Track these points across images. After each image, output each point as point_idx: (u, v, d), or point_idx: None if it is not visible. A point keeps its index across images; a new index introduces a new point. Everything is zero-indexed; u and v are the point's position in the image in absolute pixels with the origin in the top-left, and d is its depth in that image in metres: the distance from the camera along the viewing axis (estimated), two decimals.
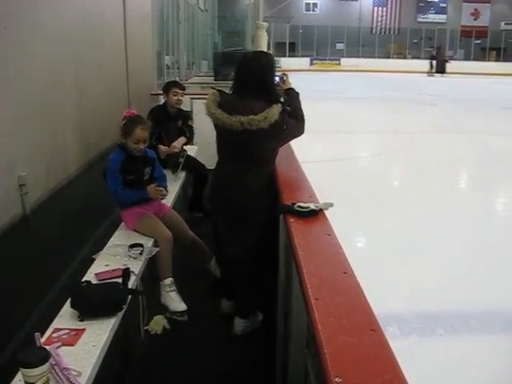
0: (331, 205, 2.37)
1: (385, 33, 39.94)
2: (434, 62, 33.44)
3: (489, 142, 11.03)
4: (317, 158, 8.77)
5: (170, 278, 3.52)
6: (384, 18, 39.93)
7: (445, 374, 3.15)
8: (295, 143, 3.61)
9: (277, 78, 3.28)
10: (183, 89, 5.28)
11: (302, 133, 3.23)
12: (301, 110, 3.24)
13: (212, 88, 3.21)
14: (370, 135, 11.84)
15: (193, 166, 5.32)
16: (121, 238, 3.40)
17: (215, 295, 3.71)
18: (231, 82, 3.18)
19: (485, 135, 11.78)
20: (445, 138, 11.38)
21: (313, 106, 15.81)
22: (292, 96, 3.29)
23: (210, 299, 3.77)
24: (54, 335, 2.20)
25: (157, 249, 3.34)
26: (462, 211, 6.41)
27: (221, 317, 3.56)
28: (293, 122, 3.09)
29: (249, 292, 3.36)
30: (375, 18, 39.87)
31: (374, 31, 39.90)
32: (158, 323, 3.35)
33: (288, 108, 3.08)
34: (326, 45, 36.24)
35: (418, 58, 38.65)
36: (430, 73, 33.21)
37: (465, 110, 16.77)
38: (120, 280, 2.67)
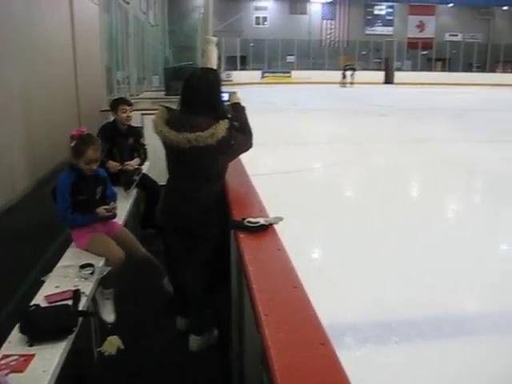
0: (281, 219, 2.38)
1: (334, 45, 40.58)
2: (348, 73, 33.95)
3: (440, 150, 11.28)
4: (269, 171, 8.84)
5: (112, 289, 3.53)
6: (333, 30, 40.59)
7: (400, 380, 3.19)
8: (246, 157, 3.62)
9: (226, 95, 3.29)
10: (131, 105, 5.24)
11: (251, 147, 3.25)
12: (248, 124, 3.26)
13: (160, 105, 3.20)
14: (321, 146, 11.97)
15: (144, 183, 5.27)
16: (71, 259, 3.35)
17: (170, 312, 3.68)
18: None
19: (435, 143, 12.08)
20: (395, 147, 11.62)
21: (265, 119, 16.02)
22: (238, 111, 3.30)
23: (165, 317, 3.73)
24: (3, 362, 2.15)
25: (108, 268, 3.29)
26: (415, 219, 6.54)
27: (176, 334, 3.53)
28: (241, 136, 3.10)
29: (203, 309, 3.34)
30: (324, 30, 40.49)
31: (323, 44, 40.50)
32: (112, 344, 3.28)
33: (236, 123, 3.09)
34: (276, 58, 36.60)
35: (367, 69, 39.43)
36: (342, 83, 33.36)
37: (414, 119, 17.17)
38: (71, 302, 2.62)
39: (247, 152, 3.28)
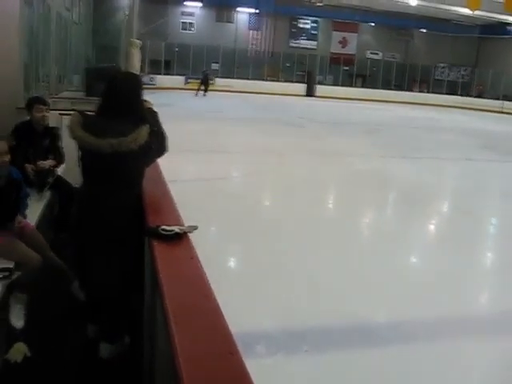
0: (195, 228, 2.40)
1: (259, 55, 40.96)
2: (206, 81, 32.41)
3: (352, 163, 11.63)
4: (189, 178, 8.82)
5: (25, 294, 3.44)
6: (259, 41, 40.92)
7: None
8: (165, 162, 3.61)
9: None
10: (46, 104, 5.10)
11: (167, 151, 3.26)
12: (162, 129, 3.27)
13: (74, 110, 3.15)
14: (241, 155, 12.06)
15: (59, 185, 5.13)
16: None
17: (80, 319, 3.60)
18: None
19: (349, 156, 12.44)
20: (312, 159, 11.89)
21: (186, 125, 15.90)
22: (153, 116, 3.30)
23: (74, 323, 3.64)
24: None
25: (18, 273, 3.20)
26: (327, 227, 6.72)
27: (86, 341, 3.45)
28: (157, 141, 3.11)
29: (115, 316, 3.30)
30: (250, 40, 40.78)
31: (249, 53, 40.80)
32: (18, 351, 3.19)
33: (155, 128, 3.09)
34: (201, 64, 36.50)
35: (291, 81, 40.04)
36: (198, 90, 31.57)
37: (331, 132, 17.62)
38: None
39: (167, 157, 3.29)
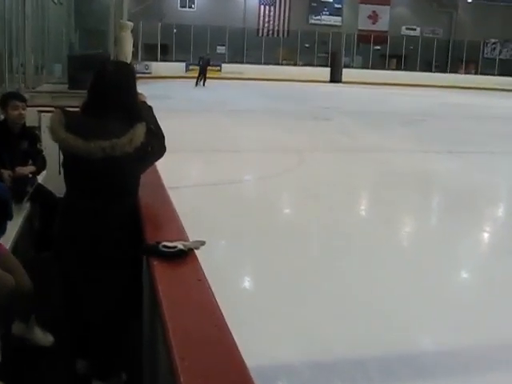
0: (203, 243, 2.40)
1: (273, 35, 41.04)
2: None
3: (389, 161, 11.62)
4: (192, 183, 8.86)
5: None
6: (272, 18, 41.01)
7: None
8: (164, 165, 3.63)
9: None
10: (24, 100, 5.14)
11: (165, 152, 3.27)
12: (158, 126, 3.28)
13: (56, 107, 3.17)
14: (255, 155, 12.09)
15: (39, 195, 5.16)
16: None
17: (68, 353, 3.62)
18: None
19: (384, 153, 12.43)
20: (339, 157, 11.91)
21: (188, 120, 16.02)
22: (147, 111, 3.32)
23: (61, 358, 3.66)
24: None
25: None
26: (359, 242, 6.68)
27: (75, 379, 3.47)
28: (155, 141, 3.12)
29: (109, 349, 3.31)
30: (262, 18, 40.88)
31: (260, 33, 40.88)
32: None
33: (152, 126, 3.10)
34: (204, 48, 36.66)
35: (311, 65, 40.07)
36: (199, 79, 31.38)
37: (362, 124, 17.61)
38: None
39: (165, 160, 3.30)
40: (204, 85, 30.53)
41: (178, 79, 33.02)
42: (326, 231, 7.04)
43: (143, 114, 3.16)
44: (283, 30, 41.05)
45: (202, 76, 31.16)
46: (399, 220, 8.03)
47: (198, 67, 32.48)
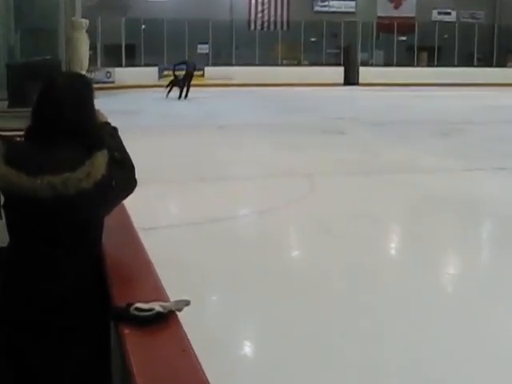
0: (187, 303, 2.40)
1: (269, 28, 41.19)
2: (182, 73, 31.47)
3: (421, 184, 11.65)
4: (171, 222, 8.84)
5: None
6: (267, 7, 41.13)
7: None
8: (134, 202, 3.64)
9: None
10: None
11: (135, 185, 3.26)
12: (126, 153, 3.26)
13: None
14: (253, 182, 12.14)
15: None
16: None
17: None
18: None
19: (415, 174, 12.48)
20: (359, 182, 11.91)
21: (164, 142, 16.05)
22: (109, 135, 3.30)
23: None
24: None
25: None
26: (389, 285, 6.68)
27: None
28: (121, 172, 3.10)
29: None
30: (254, 7, 41.04)
31: (252, 26, 41.05)
32: None
33: (117, 154, 3.10)
34: (181, 47, 36.82)
35: (319, 64, 40.21)
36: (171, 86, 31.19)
37: (386, 138, 17.68)
38: None
39: (136, 195, 3.29)
40: (186, 97, 30.28)
41: (150, 89, 33.10)
42: (347, 278, 7.02)
43: (104, 138, 3.16)
44: (282, 22, 41.10)
45: (186, 86, 30.86)
46: (437, 257, 8.01)
47: (180, 73, 32.38)
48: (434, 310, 6.15)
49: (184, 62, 31.77)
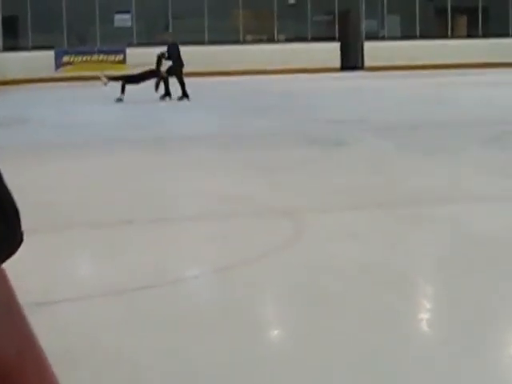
0: None
1: None
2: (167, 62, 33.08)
3: (463, 220, 11.75)
4: (79, 293, 8.80)
5: None
6: None
7: None
8: (19, 263, 3.65)
9: None
10: None
11: (21, 242, 3.27)
12: (6, 187, 3.28)
13: None
14: (204, 225, 12.15)
15: None
16: None
17: None
18: None
19: (453, 205, 12.58)
20: (364, 219, 11.98)
21: (68, 165, 16.12)
22: None
23: None
24: None
25: None
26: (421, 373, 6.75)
27: None
28: None
29: None
30: None
31: None
32: None
33: None
34: (90, 20, 36.89)
35: (302, 39, 40.35)
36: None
37: (407, 150, 17.85)
38: None
39: (23, 253, 3.31)
40: (187, 97, 29.64)
41: (43, 84, 33.11)
42: (355, 370, 7.03)
43: None
44: None
45: (164, 83, 30.51)
46: (494, 326, 8.06)
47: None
48: None
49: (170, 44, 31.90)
